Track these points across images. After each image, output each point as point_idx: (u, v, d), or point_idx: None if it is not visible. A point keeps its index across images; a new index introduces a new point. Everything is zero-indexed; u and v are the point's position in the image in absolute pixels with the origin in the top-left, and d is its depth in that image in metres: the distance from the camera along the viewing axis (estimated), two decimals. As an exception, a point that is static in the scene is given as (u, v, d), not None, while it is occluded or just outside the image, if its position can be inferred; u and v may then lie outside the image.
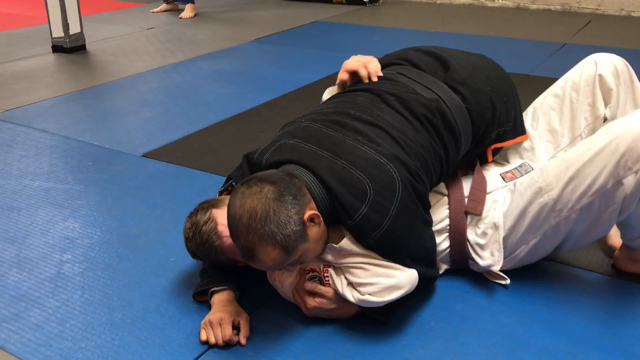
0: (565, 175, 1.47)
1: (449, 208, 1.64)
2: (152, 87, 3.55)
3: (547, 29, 4.92)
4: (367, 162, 1.42)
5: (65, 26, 4.27)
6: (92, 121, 3.01)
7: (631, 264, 1.68)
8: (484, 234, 1.61)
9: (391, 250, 1.43)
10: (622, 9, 5.45)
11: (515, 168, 1.73)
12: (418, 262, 1.47)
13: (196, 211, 1.55)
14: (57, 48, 4.35)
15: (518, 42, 4.47)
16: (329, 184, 1.40)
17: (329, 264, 1.48)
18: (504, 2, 5.97)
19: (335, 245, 1.42)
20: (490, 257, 1.60)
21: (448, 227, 1.62)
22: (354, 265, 1.43)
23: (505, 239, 1.60)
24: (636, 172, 1.40)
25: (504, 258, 1.62)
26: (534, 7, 5.82)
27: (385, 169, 1.42)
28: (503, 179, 1.70)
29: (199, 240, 1.51)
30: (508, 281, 1.64)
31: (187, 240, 1.55)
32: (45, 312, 1.61)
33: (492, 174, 1.73)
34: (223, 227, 1.47)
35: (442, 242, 1.63)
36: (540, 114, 1.81)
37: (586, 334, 1.48)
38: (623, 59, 1.76)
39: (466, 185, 1.69)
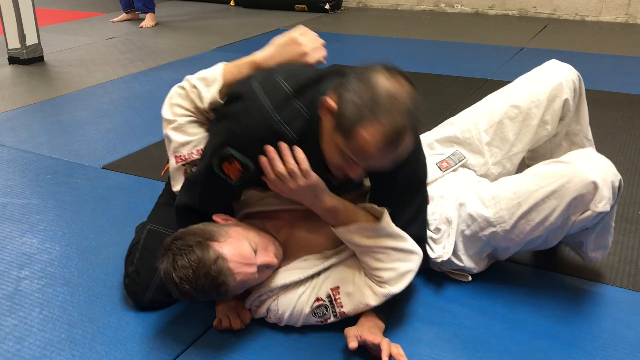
0: (518, 211, 1.54)
1: None
2: (112, 97, 3.50)
3: (505, 34, 5.02)
4: None
5: (22, 37, 4.19)
6: (50, 134, 2.96)
7: None
8: (438, 229, 1.65)
9: (413, 186, 1.51)
10: (577, 14, 5.60)
11: (449, 157, 1.79)
12: (423, 212, 1.56)
13: (188, 247, 1.33)
14: (13, 59, 4.26)
15: (477, 47, 4.55)
16: None
17: (337, 286, 1.47)
18: (463, 8, 6.07)
19: (375, 226, 1.43)
20: (441, 250, 1.65)
21: None
22: (380, 250, 1.43)
23: (455, 254, 1.65)
24: (583, 212, 1.51)
25: (457, 268, 1.68)
26: (492, 12, 5.93)
27: None
28: (440, 168, 1.76)
29: (204, 282, 1.31)
30: (469, 278, 1.68)
31: (184, 281, 1.32)
32: (1, 331, 1.56)
33: (428, 163, 1.75)
34: (235, 263, 1.34)
35: None
36: (497, 121, 1.80)
37: (545, 333, 1.51)
38: (579, 73, 1.82)
39: None
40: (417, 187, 1.56)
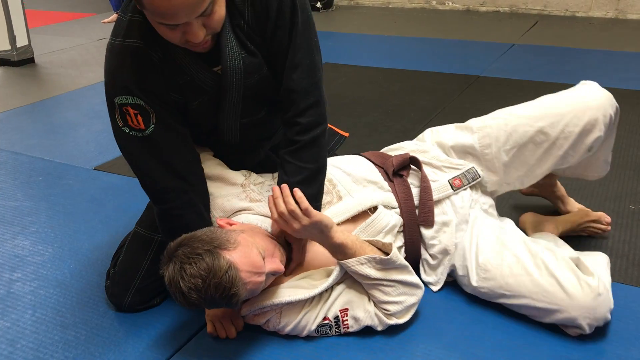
0: (499, 298, 1.54)
1: (403, 222, 1.63)
2: (103, 98, 3.43)
3: (495, 31, 5.03)
4: None
5: (12, 39, 4.17)
6: (41, 135, 2.95)
7: None
8: (435, 256, 1.65)
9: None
10: (567, 10, 5.62)
11: (463, 173, 1.68)
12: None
13: (197, 256, 1.26)
14: (4, 61, 4.25)
15: (468, 44, 4.55)
16: None
17: (346, 308, 1.48)
18: (454, 5, 6.09)
19: (385, 258, 1.43)
20: (434, 277, 1.67)
21: (404, 244, 1.64)
22: (388, 283, 1.45)
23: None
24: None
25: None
26: (483, 9, 5.95)
27: None
28: (452, 186, 1.66)
29: (214, 293, 1.25)
30: None
31: (193, 290, 1.25)
32: (-6, 333, 1.56)
33: (441, 179, 1.68)
34: (246, 273, 1.30)
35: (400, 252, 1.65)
36: (521, 144, 1.66)
37: (538, 327, 1.51)
38: (617, 104, 1.69)
39: (413, 191, 1.67)
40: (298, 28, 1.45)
